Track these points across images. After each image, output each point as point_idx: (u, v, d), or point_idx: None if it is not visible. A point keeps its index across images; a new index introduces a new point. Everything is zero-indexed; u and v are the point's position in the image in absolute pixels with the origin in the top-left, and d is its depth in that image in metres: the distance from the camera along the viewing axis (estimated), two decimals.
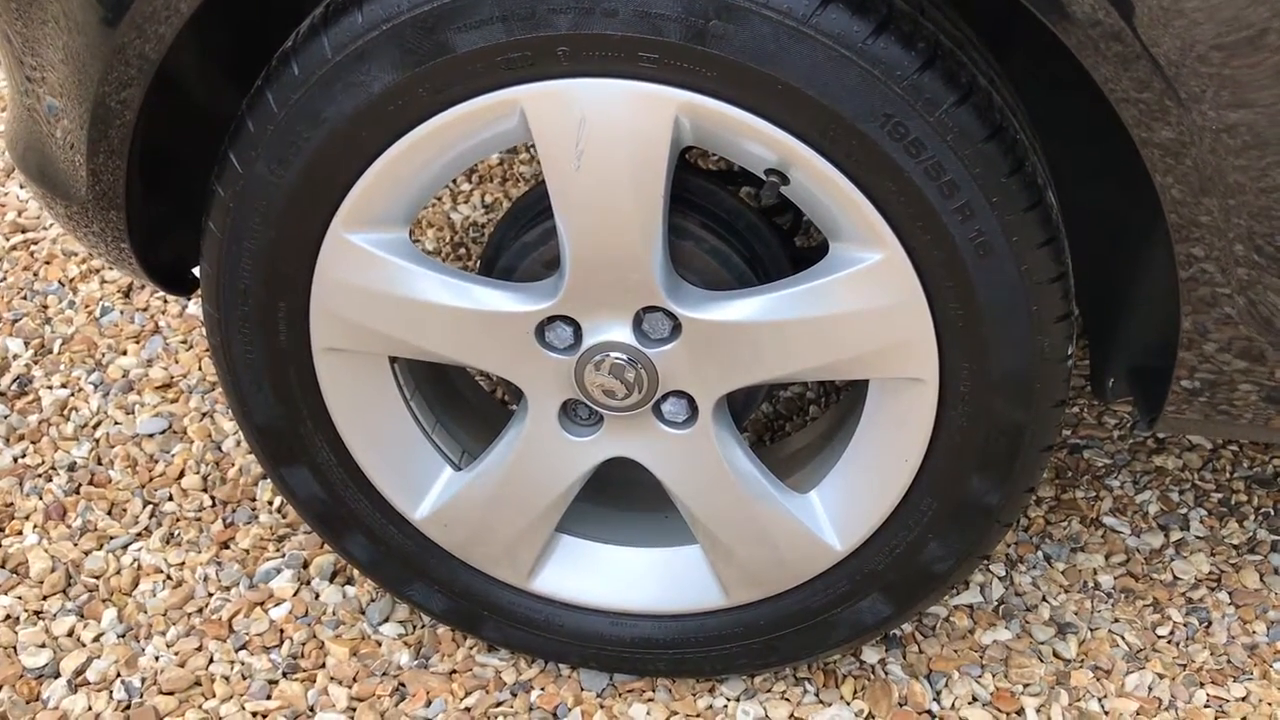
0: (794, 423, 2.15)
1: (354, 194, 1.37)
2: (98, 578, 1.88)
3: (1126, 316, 1.54)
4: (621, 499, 1.71)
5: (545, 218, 1.47)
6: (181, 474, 2.05)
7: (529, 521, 1.59)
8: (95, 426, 2.14)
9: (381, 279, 1.42)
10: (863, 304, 1.35)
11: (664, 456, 1.52)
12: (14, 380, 2.23)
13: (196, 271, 1.59)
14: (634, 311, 1.42)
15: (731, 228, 1.48)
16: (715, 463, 1.51)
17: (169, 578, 1.88)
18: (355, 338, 1.47)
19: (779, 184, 1.32)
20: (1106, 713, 1.70)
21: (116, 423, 2.15)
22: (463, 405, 1.73)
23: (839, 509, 1.53)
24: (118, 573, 1.89)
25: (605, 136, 1.29)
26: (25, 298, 2.42)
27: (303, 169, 1.35)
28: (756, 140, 1.28)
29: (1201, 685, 1.74)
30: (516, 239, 1.50)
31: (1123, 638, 1.80)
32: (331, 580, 1.87)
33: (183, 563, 1.90)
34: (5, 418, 2.15)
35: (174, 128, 1.52)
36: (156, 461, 2.07)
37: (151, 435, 2.12)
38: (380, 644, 1.79)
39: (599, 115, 1.28)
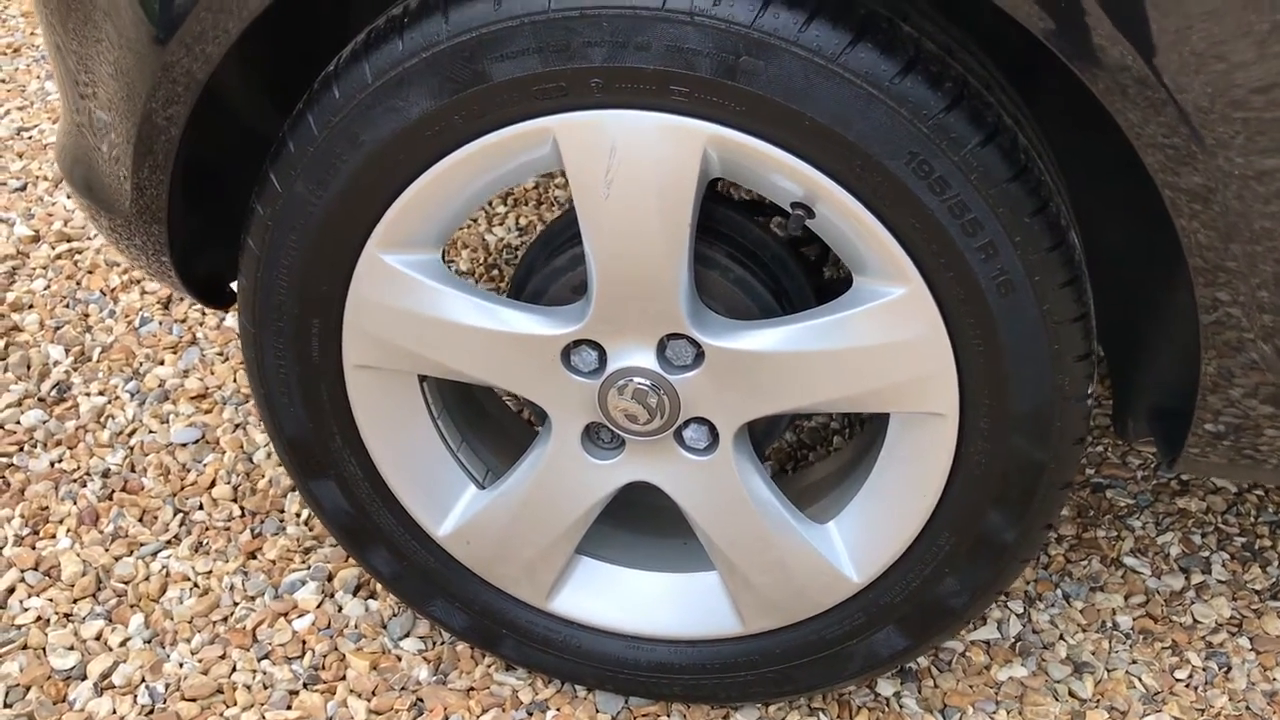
0: (817, 452, 2.16)
1: (389, 216, 1.40)
2: (127, 583, 1.91)
3: (1149, 357, 1.54)
4: (642, 523, 1.73)
5: (575, 243, 1.50)
6: (213, 483, 2.09)
7: (549, 542, 1.61)
8: (130, 434, 2.19)
9: (413, 299, 1.45)
10: (884, 338, 1.37)
11: (684, 482, 1.54)
12: (54, 386, 2.28)
13: (234, 286, 1.63)
14: (658, 338, 1.44)
15: (757, 258, 1.50)
16: (735, 490, 1.52)
17: (196, 585, 1.92)
18: (386, 356, 1.50)
19: (804, 217, 1.34)
20: None
21: (151, 431, 2.19)
22: (489, 425, 1.76)
23: (857, 541, 1.54)
24: (146, 579, 1.92)
25: (635, 166, 1.31)
26: (68, 305, 2.48)
27: (340, 190, 1.39)
28: (783, 174, 1.30)
29: None
30: (547, 263, 1.53)
31: (1140, 679, 1.80)
32: (355, 594, 1.90)
33: (210, 571, 1.94)
34: (44, 423, 2.20)
35: (217, 146, 1.56)
36: (188, 470, 2.11)
37: (185, 445, 2.16)
38: (400, 659, 1.81)
39: (629, 146, 1.30)
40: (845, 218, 1.32)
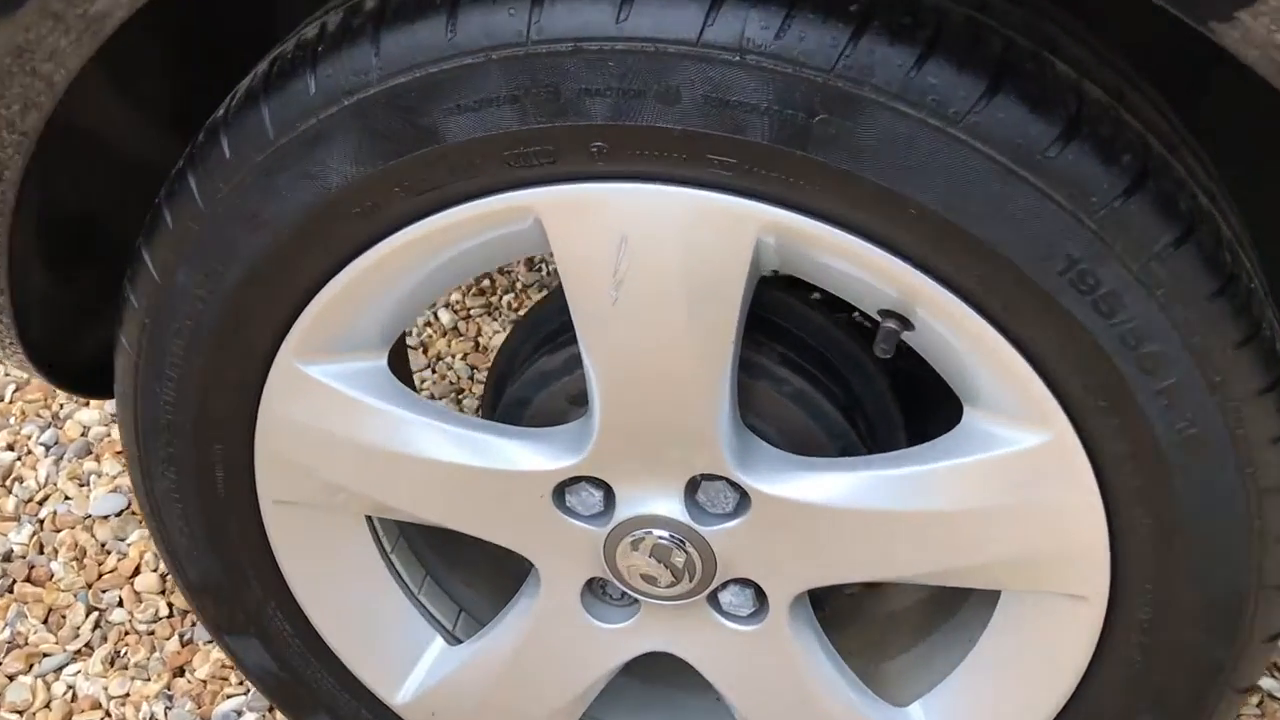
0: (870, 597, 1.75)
1: (309, 315, 1.00)
2: (21, 713, 1.55)
3: None
4: (658, 674, 1.35)
5: (572, 339, 1.10)
6: (136, 570, 1.70)
7: (540, 718, 1.23)
8: (41, 503, 1.81)
9: (345, 420, 1.06)
10: (1008, 499, 0.97)
11: (719, 655, 1.15)
12: None
13: None
14: (687, 479, 1.05)
15: (824, 362, 1.09)
16: (788, 667, 1.13)
17: (108, 715, 1.55)
18: (313, 491, 1.11)
19: (898, 331, 0.93)
20: None
21: (67, 498, 1.81)
22: (461, 548, 1.37)
23: None
24: (47, 705, 1.55)
25: (656, 261, 0.91)
26: None
27: (238, 283, 0.98)
28: (872, 273, 0.90)
29: None
30: (532, 364, 1.13)
31: None
32: None
33: (127, 694, 1.56)
34: None
35: (93, 192, 1.16)
36: (108, 553, 1.73)
37: (106, 517, 1.78)
38: None
39: (647, 234, 0.89)
40: (961, 336, 0.91)
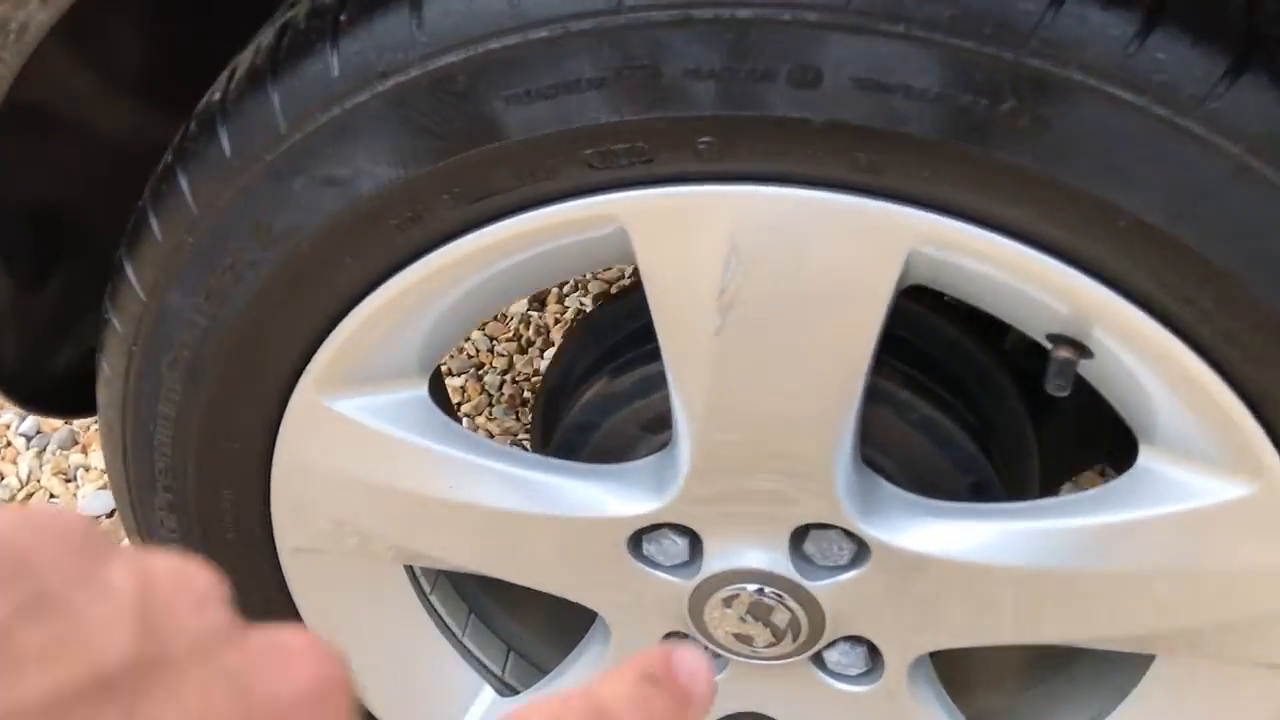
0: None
1: (334, 343, 0.81)
2: None
3: None
4: None
5: (643, 355, 0.91)
6: None
7: None
8: (24, 502, 1.63)
9: (382, 462, 0.87)
10: (1191, 561, 0.79)
11: (821, 719, 0.99)
12: None
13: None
14: (793, 528, 0.87)
15: (953, 381, 0.91)
16: None
17: None
18: (340, 539, 0.93)
19: (1075, 361, 0.75)
20: None
21: (53, 496, 1.63)
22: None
23: None
24: None
25: (777, 280, 0.72)
26: None
27: (247, 305, 0.79)
28: (1052, 293, 0.71)
29: None
30: (592, 383, 0.95)
31: None
32: None
33: None
34: None
35: (55, 182, 0.96)
36: None
37: (98, 517, 1.61)
38: None
39: (766, 246, 0.71)
40: (1161, 373, 0.73)
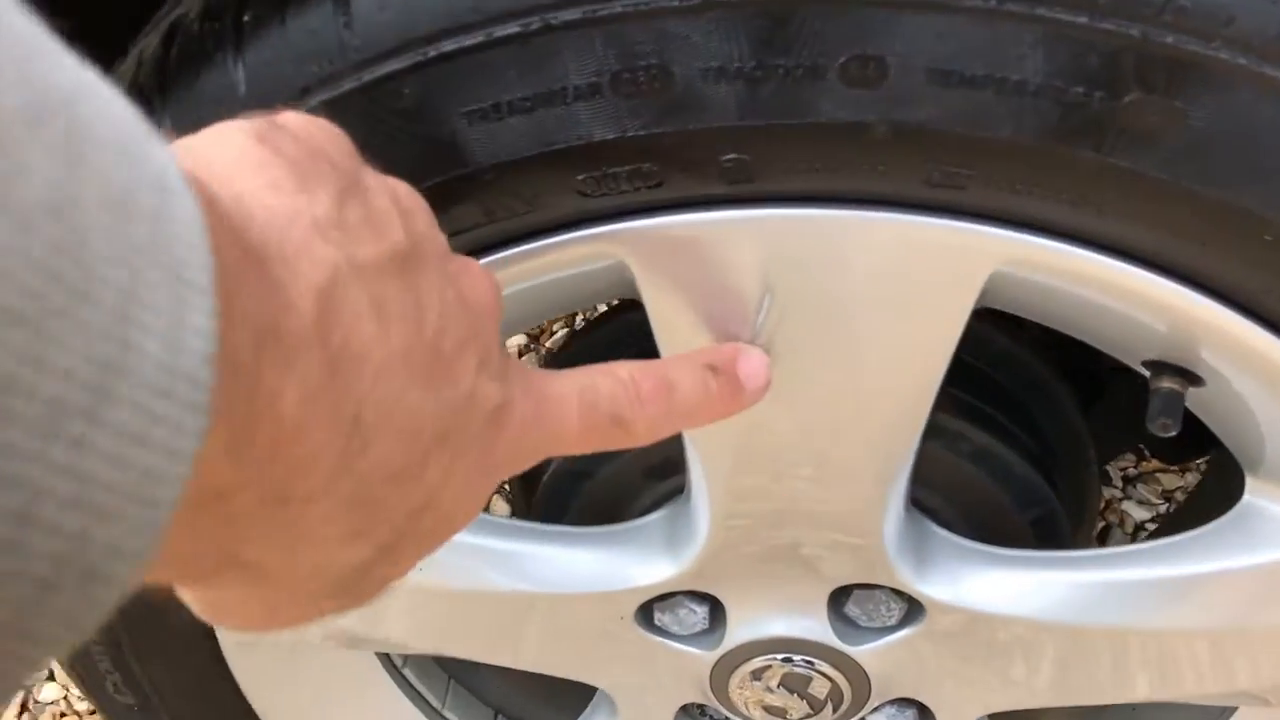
0: None
1: None
2: None
3: None
4: None
5: None
6: (50, 675, 1.37)
7: None
8: None
9: None
10: None
11: None
12: None
13: None
14: (832, 589, 0.74)
15: (1010, 403, 0.77)
16: None
17: None
18: (291, 635, 0.79)
19: (1183, 392, 0.61)
20: None
21: None
22: None
23: None
24: None
25: (821, 317, 0.57)
26: None
27: None
28: (1160, 317, 0.57)
29: None
30: None
31: None
32: None
33: None
34: None
35: None
36: None
37: None
38: None
39: (808, 279, 0.56)
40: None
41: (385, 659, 0.90)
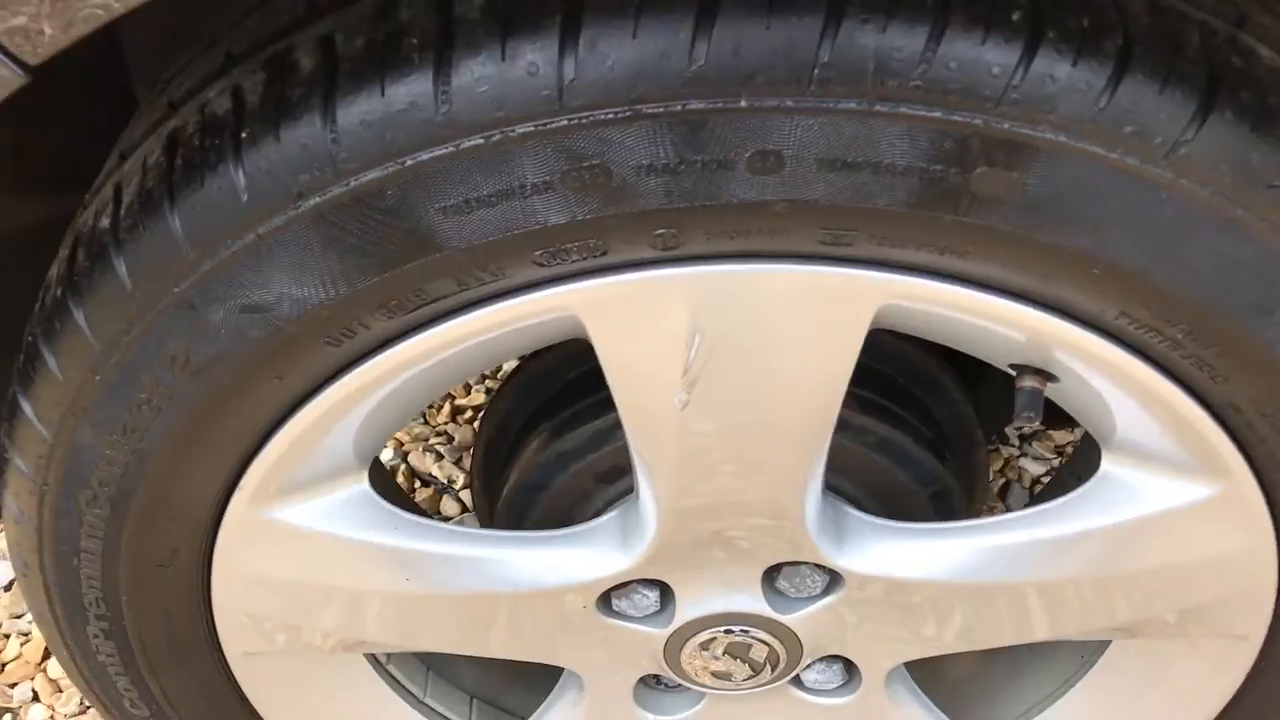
0: None
1: (266, 460, 0.75)
2: None
3: None
4: None
5: (590, 408, 0.88)
6: (46, 655, 1.45)
7: None
8: None
9: (329, 562, 0.82)
10: (1161, 558, 0.81)
11: None
12: None
13: None
14: (765, 568, 0.86)
15: (904, 396, 0.90)
16: None
17: None
18: (293, 639, 0.88)
19: (1042, 389, 0.74)
20: None
21: None
22: None
23: None
24: None
25: (742, 352, 0.69)
26: None
27: (169, 435, 0.72)
28: (1018, 330, 0.70)
29: None
30: (534, 438, 0.91)
31: None
32: None
33: None
34: None
35: None
36: (6, 636, 1.47)
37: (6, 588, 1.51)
38: None
39: (730, 320, 0.67)
40: (1128, 392, 0.72)
41: (371, 659, 1.00)
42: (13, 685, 1.42)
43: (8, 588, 1.50)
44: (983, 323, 0.70)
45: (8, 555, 1.52)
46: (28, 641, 1.46)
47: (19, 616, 1.48)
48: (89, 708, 1.40)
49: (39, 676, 1.43)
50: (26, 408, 0.74)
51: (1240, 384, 0.70)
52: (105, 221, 0.67)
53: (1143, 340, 0.68)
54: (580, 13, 0.57)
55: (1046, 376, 0.74)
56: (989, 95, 0.57)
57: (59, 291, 0.70)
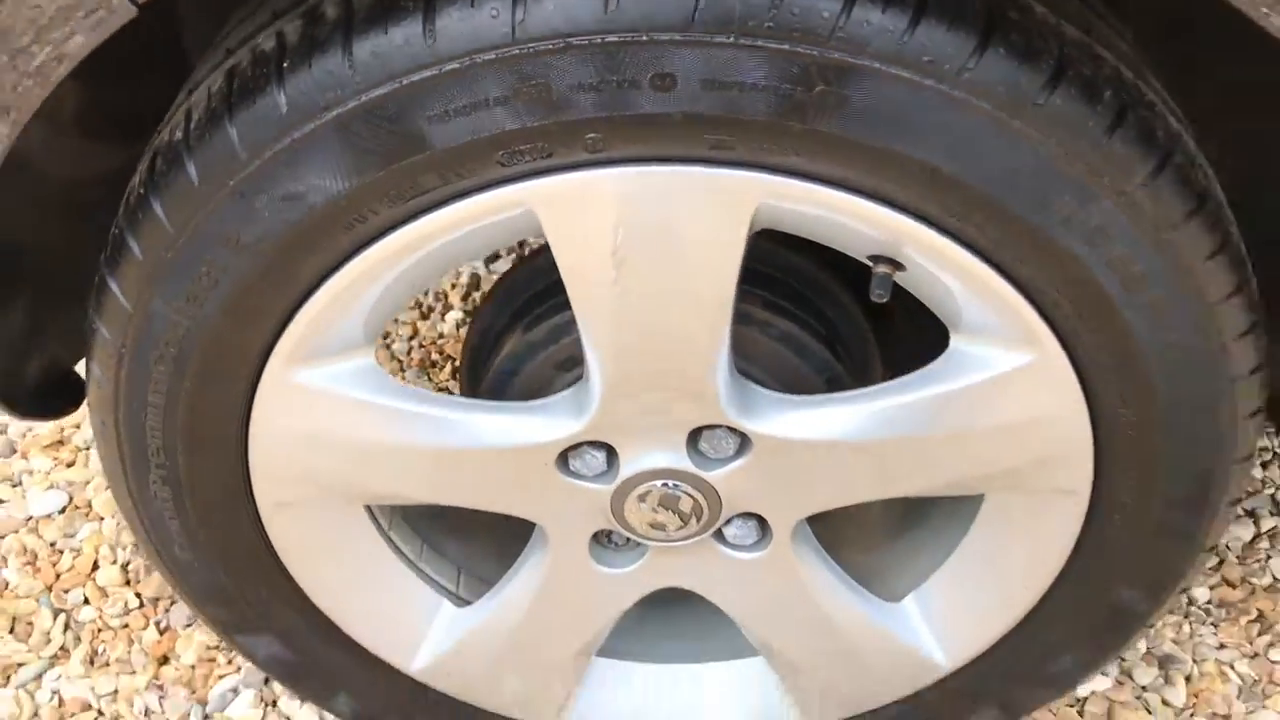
0: None
1: (297, 326, 0.98)
2: None
3: None
4: (670, 607, 1.40)
5: (552, 308, 1.10)
6: (95, 566, 1.67)
7: (554, 663, 1.27)
8: None
9: (345, 420, 1.05)
10: (997, 417, 1.02)
11: (726, 584, 1.20)
12: None
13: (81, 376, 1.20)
14: (688, 431, 1.07)
15: (803, 300, 1.12)
16: (793, 585, 1.19)
17: (101, 714, 1.53)
18: (316, 490, 1.10)
19: (891, 274, 0.96)
20: None
21: (2, 501, 1.75)
22: (449, 511, 1.37)
23: (943, 621, 1.23)
24: (35, 715, 1.53)
25: (656, 237, 0.91)
26: None
27: (223, 304, 0.95)
28: (868, 224, 0.92)
29: None
30: (510, 336, 1.13)
31: (1234, 669, 1.57)
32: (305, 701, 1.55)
33: (115, 691, 1.55)
34: None
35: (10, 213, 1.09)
36: (61, 552, 1.69)
37: (49, 515, 1.73)
38: None
39: (646, 212, 0.90)
40: (954, 275, 0.94)
41: (376, 524, 1.21)
42: (66, 591, 1.64)
43: (62, 510, 1.72)
44: (839, 218, 0.92)
45: (68, 481, 1.75)
46: (79, 555, 1.68)
47: (71, 535, 1.70)
48: (130, 611, 1.62)
49: (89, 584, 1.65)
50: (112, 284, 0.97)
51: (1035, 265, 0.91)
52: (179, 134, 0.90)
53: (959, 229, 0.90)
54: None
55: (896, 265, 0.96)
56: (822, 33, 0.80)
57: (141, 190, 0.93)
